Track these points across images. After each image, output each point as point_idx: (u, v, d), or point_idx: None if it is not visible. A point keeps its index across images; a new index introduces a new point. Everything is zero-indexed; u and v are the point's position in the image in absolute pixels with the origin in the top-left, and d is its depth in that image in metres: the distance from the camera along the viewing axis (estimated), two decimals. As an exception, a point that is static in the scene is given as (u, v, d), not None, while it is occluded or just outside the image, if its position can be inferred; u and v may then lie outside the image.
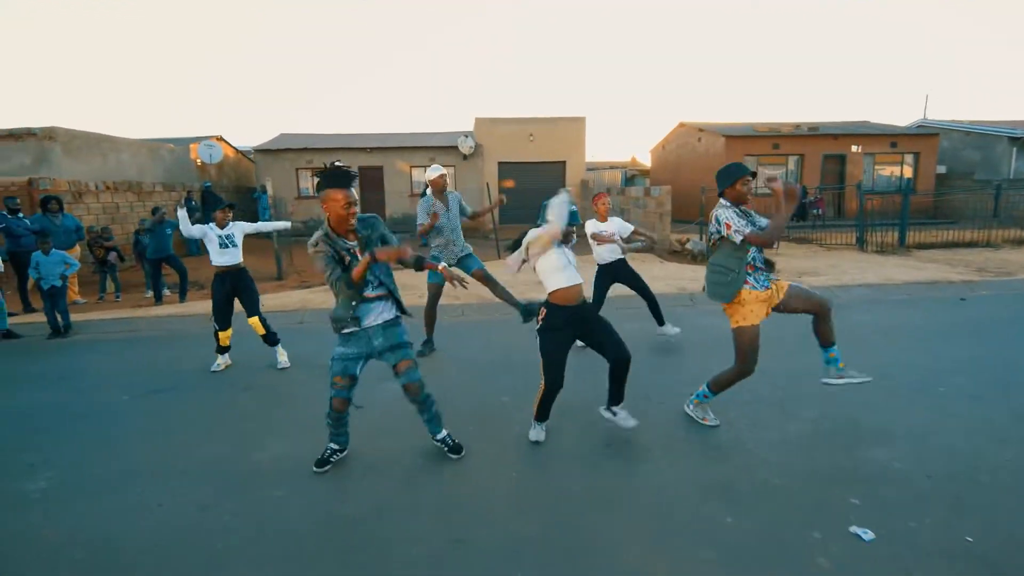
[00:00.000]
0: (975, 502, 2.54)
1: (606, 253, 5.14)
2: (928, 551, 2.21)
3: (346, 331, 2.87)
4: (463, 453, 3.16)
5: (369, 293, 2.86)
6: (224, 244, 4.82)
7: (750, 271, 3.23)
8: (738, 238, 3.11)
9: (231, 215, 4.98)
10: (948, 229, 12.12)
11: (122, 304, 8.24)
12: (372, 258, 2.65)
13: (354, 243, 2.82)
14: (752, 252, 3.22)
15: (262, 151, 17.75)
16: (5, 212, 7.87)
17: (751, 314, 3.20)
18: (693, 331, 5.71)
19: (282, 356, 5.03)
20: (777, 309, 3.32)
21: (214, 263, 4.84)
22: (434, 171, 4.97)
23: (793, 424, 3.44)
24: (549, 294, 3.18)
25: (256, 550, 2.41)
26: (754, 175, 3.33)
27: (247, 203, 18.00)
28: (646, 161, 26.79)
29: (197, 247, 13.89)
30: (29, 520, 2.72)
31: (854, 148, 17.50)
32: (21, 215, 8.04)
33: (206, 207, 14.92)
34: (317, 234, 2.77)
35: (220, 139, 18.61)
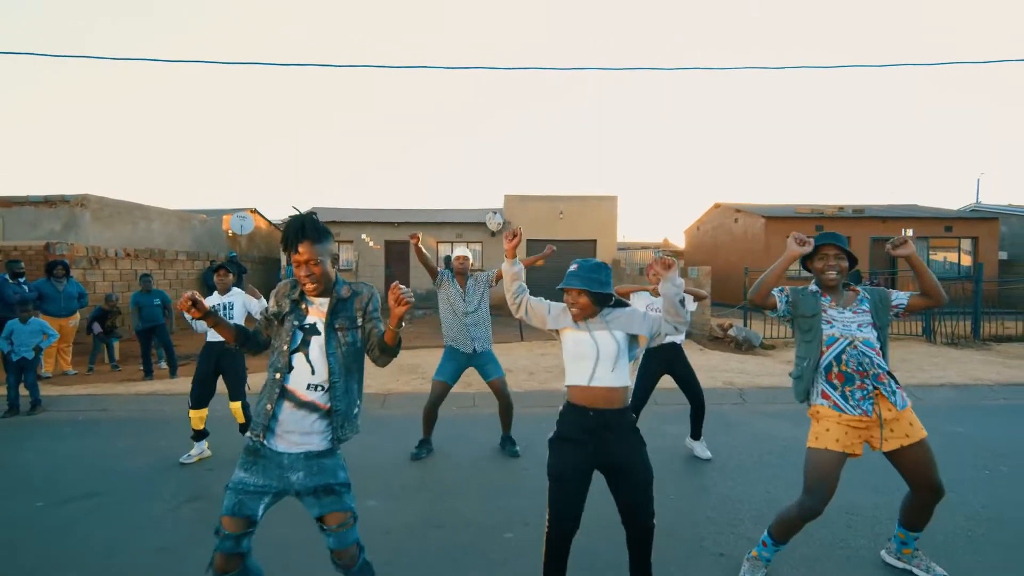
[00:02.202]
0: None
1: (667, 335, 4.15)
2: None
3: (250, 441, 1.93)
4: None
5: (296, 389, 1.91)
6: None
7: (834, 381, 2.35)
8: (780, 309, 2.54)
9: (231, 279, 4.50)
10: (1018, 319, 10.82)
11: (113, 377, 7.63)
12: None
13: (321, 300, 1.98)
14: (838, 351, 2.35)
15: (292, 223, 17.83)
16: (6, 277, 7.55)
17: (826, 434, 2.37)
18: (751, 440, 4.67)
19: None
20: (889, 457, 2.39)
21: (205, 333, 4.29)
22: (457, 251, 4.53)
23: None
24: (567, 387, 2.29)
25: None
26: (849, 256, 2.49)
27: (273, 272, 17.91)
28: (678, 243, 26.17)
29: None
30: None
31: (908, 232, 16.46)
32: (23, 280, 7.70)
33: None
34: (284, 282, 2.04)
35: (254, 211, 18.92)
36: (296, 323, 1.95)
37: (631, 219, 72.37)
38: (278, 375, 1.92)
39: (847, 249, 2.52)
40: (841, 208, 17.60)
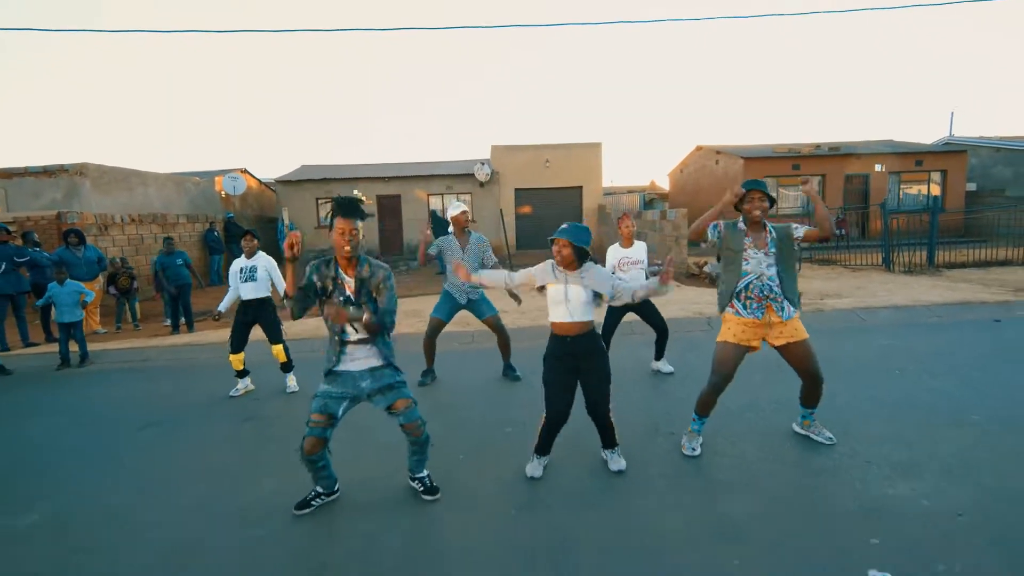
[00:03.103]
0: (1009, 542, 2.30)
1: (627, 278, 4.90)
2: (959, 602, 1.99)
3: (328, 369, 2.74)
4: (438, 495, 2.97)
5: (351, 339, 2.73)
6: (246, 278, 4.92)
7: (741, 299, 3.17)
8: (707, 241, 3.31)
9: (256, 244, 5.08)
10: (980, 248, 11.66)
11: (140, 333, 8.36)
12: (326, 309, 2.63)
13: (350, 279, 2.70)
14: (748, 282, 3.12)
15: (283, 182, 18.17)
16: (29, 246, 8.12)
17: (727, 332, 3.24)
18: (710, 358, 5.51)
19: (291, 382, 5.13)
20: (780, 351, 3.22)
21: (242, 295, 4.98)
22: (455, 208, 4.87)
23: (814, 458, 3.22)
24: (550, 322, 3.09)
25: (234, 592, 2.30)
26: (771, 200, 3.21)
27: (269, 232, 18.36)
28: (665, 185, 26.66)
29: (219, 277, 14.20)
30: (15, 554, 2.66)
31: (877, 167, 17.15)
32: (39, 248, 8.28)
33: (229, 237, 15.31)
34: (320, 259, 2.75)
35: (244, 171, 19.13)
36: (340, 299, 2.70)
37: (620, 164, 72.15)
38: (337, 336, 2.74)
39: (768, 192, 3.23)
40: (817, 146, 18.14)
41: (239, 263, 5.01)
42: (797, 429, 3.52)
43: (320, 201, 18.04)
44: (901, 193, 17.83)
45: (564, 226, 2.96)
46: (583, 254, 2.95)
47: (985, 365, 4.85)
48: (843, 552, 2.31)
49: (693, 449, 3.32)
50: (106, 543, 2.72)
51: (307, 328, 7.83)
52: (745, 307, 3.16)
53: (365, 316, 2.61)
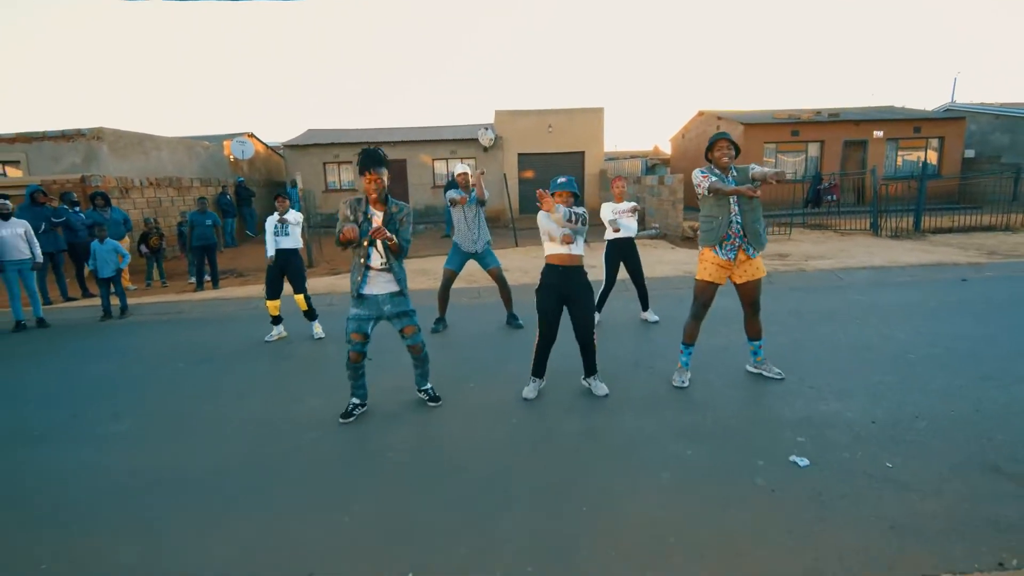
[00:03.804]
0: (907, 439, 2.93)
1: (624, 229, 5.42)
2: (851, 473, 2.63)
3: (356, 294, 3.40)
4: (440, 402, 3.75)
5: (374, 265, 3.39)
6: (278, 232, 5.51)
7: (721, 239, 3.66)
8: (701, 192, 3.71)
9: (287, 204, 5.66)
10: (967, 214, 12.09)
11: (168, 289, 8.99)
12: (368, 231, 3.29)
13: (379, 214, 3.36)
14: (732, 216, 3.61)
15: (291, 146, 18.51)
16: (66, 207, 8.67)
17: (704, 271, 3.78)
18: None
19: (318, 329, 5.76)
20: (738, 287, 3.79)
21: (278, 247, 5.57)
22: (458, 168, 5.58)
23: (766, 385, 3.84)
24: (545, 256, 3.69)
25: (297, 474, 2.96)
26: (735, 147, 3.71)
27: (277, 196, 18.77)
28: (668, 150, 26.81)
29: (233, 239, 14.76)
30: (112, 455, 3.33)
31: (876, 134, 17.38)
32: (78, 209, 8.83)
33: (240, 200, 15.81)
34: (352, 198, 3.40)
35: (251, 136, 19.44)
36: (364, 216, 3.34)
37: (624, 128, 71.47)
38: (362, 260, 3.38)
39: (734, 141, 3.73)
40: (818, 112, 18.33)
41: (273, 219, 5.59)
42: (750, 369, 4.09)
43: (327, 165, 18.42)
44: (900, 159, 18.10)
45: (562, 180, 3.58)
46: (577, 197, 3.60)
47: (938, 317, 5.43)
48: (774, 445, 2.94)
49: (683, 382, 3.88)
50: (184, 446, 3.38)
51: (324, 284, 8.44)
52: (722, 248, 3.68)
53: (391, 239, 3.27)
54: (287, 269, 5.62)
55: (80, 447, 3.43)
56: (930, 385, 3.67)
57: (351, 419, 3.56)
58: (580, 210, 3.53)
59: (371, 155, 3.25)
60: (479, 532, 2.36)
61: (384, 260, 3.40)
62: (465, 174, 5.54)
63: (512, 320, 5.74)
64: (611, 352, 4.54)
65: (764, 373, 4.00)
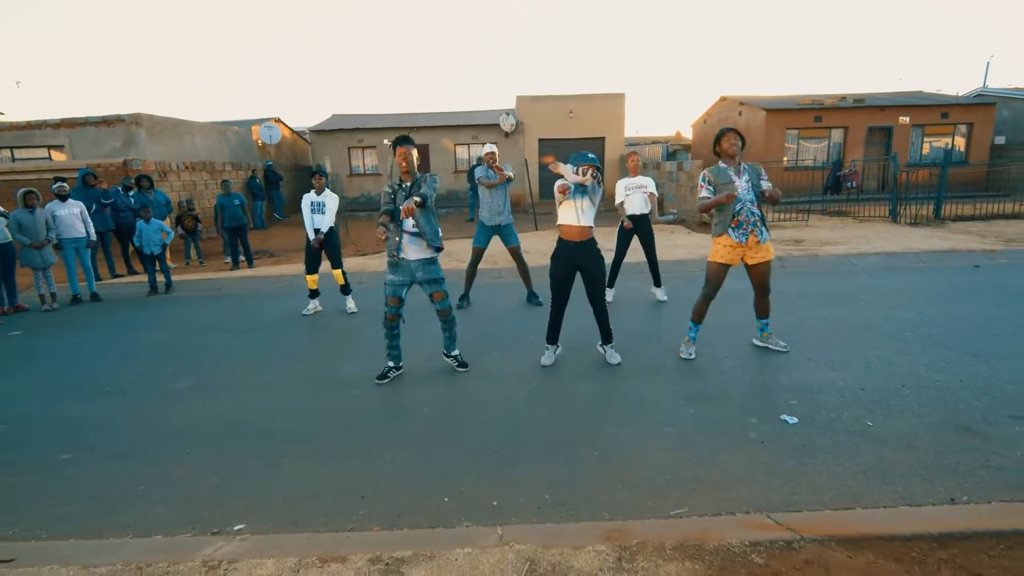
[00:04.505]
0: (891, 403, 3.23)
1: (636, 203, 5.71)
2: (835, 430, 2.95)
3: (392, 260, 3.83)
4: (468, 368, 4.14)
5: (407, 229, 3.80)
6: (315, 210, 5.89)
7: (734, 224, 3.94)
8: (700, 198, 4.07)
9: (324, 181, 6.00)
10: (990, 202, 12.03)
11: (205, 268, 9.54)
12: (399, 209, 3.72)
13: (409, 184, 3.84)
14: (741, 204, 3.90)
15: (317, 132, 18.99)
16: (119, 189, 9.24)
17: (717, 253, 4.06)
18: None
19: (351, 304, 6.18)
20: (749, 268, 4.07)
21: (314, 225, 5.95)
22: (486, 148, 5.90)
23: (767, 357, 4.15)
24: (558, 226, 4.02)
25: (342, 423, 3.38)
26: (743, 139, 4.01)
27: (304, 180, 19.35)
28: (690, 136, 26.71)
29: (262, 221, 15.33)
30: (179, 407, 3.79)
31: (901, 120, 17.18)
32: (132, 192, 9.40)
33: (269, 184, 16.36)
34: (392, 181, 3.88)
35: (278, 121, 19.97)
36: (403, 197, 3.77)
37: (645, 114, 70.74)
38: (396, 225, 3.79)
39: (739, 134, 4.00)
40: (842, 98, 18.15)
41: (310, 198, 5.95)
42: (757, 342, 4.39)
43: (352, 150, 18.87)
44: (927, 146, 17.88)
45: (591, 155, 3.87)
46: (599, 170, 3.91)
47: (944, 301, 5.64)
48: (768, 407, 3.27)
49: (690, 354, 4.19)
50: (241, 401, 3.83)
51: (353, 265, 8.89)
52: (735, 231, 3.97)
53: (416, 199, 3.64)
54: (325, 245, 6.02)
55: (150, 400, 3.91)
56: (920, 359, 3.94)
57: (386, 380, 3.97)
58: (594, 165, 3.84)
59: (401, 136, 3.78)
60: (502, 470, 2.74)
61: (415, 223, 3.80)
62: (492, 153, 5.82)
63: (532, 298, 6.08)
64: (623, 327, 4.87)
65: (770, 346, 4.29)
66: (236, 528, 2.35)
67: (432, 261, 3.91)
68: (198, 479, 2.81)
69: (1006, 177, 15.75)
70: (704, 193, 4.08)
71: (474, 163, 15.61)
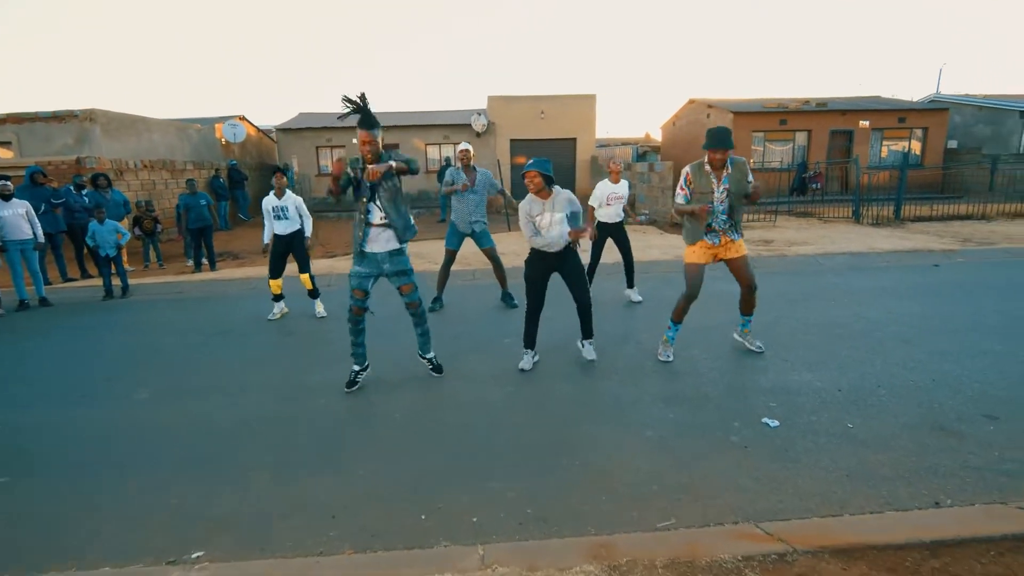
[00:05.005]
0: (868, 404, 3.24)
1: (612, 213, 5.70)
2: (815, 432, 2.93)
3: (357, 249, 3.57)
4: (443, 373, 3.97)
5: (375, 222, 3.56)
6: (278, 216, 5.61)
7: (706, 232, 3.93)
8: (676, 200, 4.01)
9: (285, 181, 5.70)
10: (946, 203, 12.48)
11: (165, 271, 9.13)
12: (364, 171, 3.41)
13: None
14: (711, 220, 3.88)
15: (284, 130, 18.50)
16: (71, 187, 8.76)
17: (693, 255, 4.03)
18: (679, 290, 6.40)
19: (319, 308, 5.96)
20: (728, 263, 4.04)
21: (274, 230, 5.67)
22: (461, 145, 5.70)
23: (745, 358, 4.14)
24: (530, 242, 3.90)
25: (312, 433, 3.21)
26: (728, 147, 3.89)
27: (270, 179, 18.80)
28: (659, 137, 27.03)
29: (226, 222, 14.81)
30: (140, 416, 3.56)
31: (861, 123, 17.71)
32: (84, 191, 8.92)
33: (233, 183, 15.83)
34: (351, 158, 3.55)
35: (243, 119, 19.37)
36: (368, 186, 3.51)
37: (616, 116, 71.54)
38: (362, 216, 3.56)
39: (727, 144, 3.85)
40: (806, 102, 18.61)
41: (271, 202, 5.64)
42: (736, 336, 4.40)
43: (320, 149, 18.44)
44: (885, 149, 18.48)
45: (530, 161, 3.73)
46: (550, 180, 3.73)
47: (909, 299, 5.76)
48: (748, 409, 3.24)
49: (668, 356, 4.14)
50: (202, 410, 3.61)
51: (322, 267, 8.64)
52: (707, 236, 3.95)
53: (390, 164, 3.37)
54: (291, 251, 5.78)
55: (103, 411, 3.66)
56: (892, 358, 3.99)
57: (355, 387, 3.79)
58: (578, 207, 3.78)
59: (363, 114, 3.40)
60: (481, 481, 2.63)
61: (384, 215, 3.54)
62: (467, 151, 5.64)
63: (507, 299, 5.98)
64: (599, 328, 4.77)
65: (747, 344, 4.28)
66: (194, 556, 2.17)
67: (400, 252, 3.68)
68: (154, 499, 2.61)
69: (960, 180, 16.40)
70: (680, 198, 4.02)
71: (444, 163, 15.43)
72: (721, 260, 4.06)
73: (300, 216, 5.78)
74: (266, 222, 5.69)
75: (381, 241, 3.60)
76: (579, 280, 3.91)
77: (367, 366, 3.89)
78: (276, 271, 5.76)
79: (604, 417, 3.26)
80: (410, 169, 3.48)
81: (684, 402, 3.39)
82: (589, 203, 5.72)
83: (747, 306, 4.19)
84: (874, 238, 9.65)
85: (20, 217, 6.90)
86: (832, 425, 3.01)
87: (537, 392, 3.67)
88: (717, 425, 3.06)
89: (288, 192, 5.74)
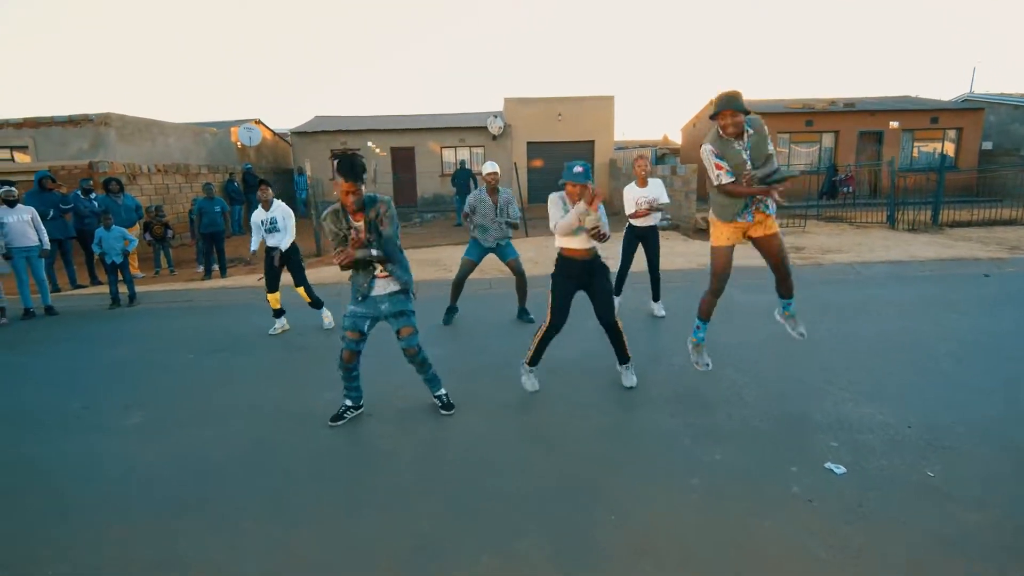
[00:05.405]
0: (945, 445, 2.82)
1: (646, 219, 5.25)
2: (891, 482, 2.52)
3: (358, 295, 3.24)
4: (453, 411, 3.51)
5: (379, 273, 3.23)
6: (269, 229, 5.30)
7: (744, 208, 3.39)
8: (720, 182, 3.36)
9: (271, 194, 5.37)
10: (987, 207, 11.84)
11: (176, 278, 8.93)
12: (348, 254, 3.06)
13: (360, 224, 3.14)
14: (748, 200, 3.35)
15: (298, 133, 18.38)
16: (79, 192, 8.60)
17: (720, 236, 3.48)
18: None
19: (326, 318, 5.65)
20: (757, 243, 3.51)
21: (267, 243, 5.36)
22: (488, 167, 5.26)
23: (789, 382, 3.72)
24: (561, 248, 3.56)
25: (312, 470, 2.88)
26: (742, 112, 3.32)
27: (285, 184, 18.72)
28: (678, 140, 26.49)
29: (240, 227, 14.67)
30: (128, 446, 3.26)
31: (892, 124, 17.05)
32: (93, 196, 8.76)
33: (247, 187, 15.70)
34: (330, 208, 3.18)
35: (258, 122, 19.31)
36: (350, 230, 3.13)
37: (634, 117, 70.83)
38: (368, 269, 3.21)
39: (740, 107, 3.26)
40: (833, 102, 17.99)
41: (259, 215, 5.31)
42: (777, 317, 3.83)
43: (334, 152, 18.27)
44: (916, 151, 17.78)
45: (579, 170, 3.36)
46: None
47: (961, 312, 5.28)
48: (806, 450, 2.83)
49: (707, 364, 3.69)
50: (197, 441, 3.30)
51: (332, 274, 8.34)
52: (740, 215, 3.41)
53: (373, 252, 3.08)
54: (285, 262, 5.44)
55: (89, 438, 3.37)
56: (958, 383, 3.56)
57: (341, 422, 3.42)
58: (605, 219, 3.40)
59: (348, 165, 2.98)
60: (503, 541, 2.27)
61: (385, 271, 3.25)
62: (495, 174, 5.23)
63: (523, 314, 5.62)
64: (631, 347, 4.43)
65: (788, 328, 3.74)
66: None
67: (400, 292, 3.32)
68: (129, 552, 2.29)
69: (999, 182, 15.67)
70: (725, 176, 3.34)
71: (458, 166, 15.10)
72: (750, 239, 3.52)
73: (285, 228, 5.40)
74: (254, 236, 5.39)
75: (381, 285, 3.28)
76: (605, 298, 3.55)
77: (362, 406, 3.54)
78: (272, 284, 5.44)
79: (640, 458, 2.88)
80: (391, 256, 3.20)
81: (730, 439, 2.99)
82: (627, 213, 5.32)
83: (785, 288, 3.63)
84: (914, 245, 9.10)
85: (26, 224, 6.72)
86: (909, 472, 2.59)
87: (561, 425, 3.30)
88: (772, 470, 2.66)
89: (276, 202, 5.38)
